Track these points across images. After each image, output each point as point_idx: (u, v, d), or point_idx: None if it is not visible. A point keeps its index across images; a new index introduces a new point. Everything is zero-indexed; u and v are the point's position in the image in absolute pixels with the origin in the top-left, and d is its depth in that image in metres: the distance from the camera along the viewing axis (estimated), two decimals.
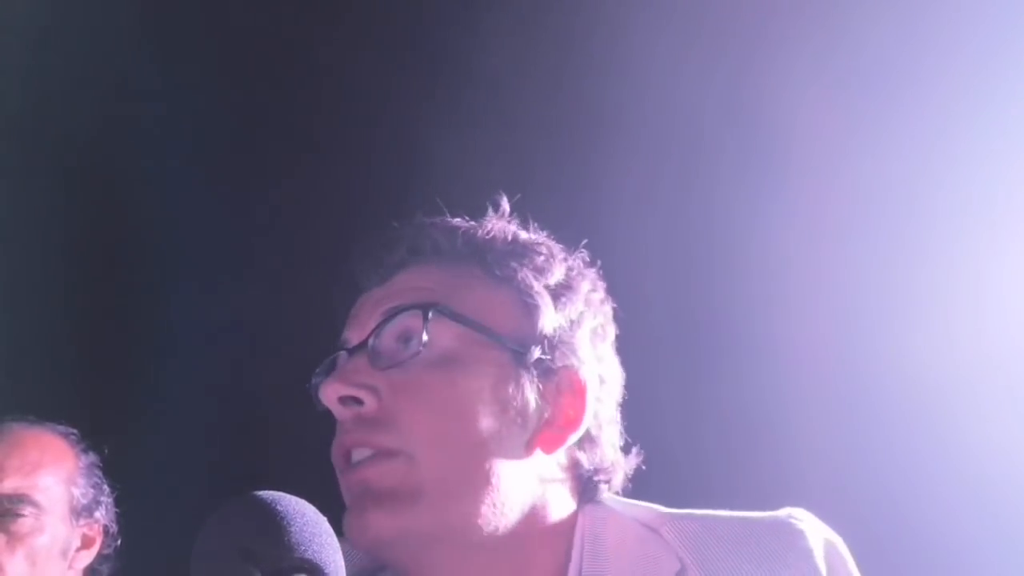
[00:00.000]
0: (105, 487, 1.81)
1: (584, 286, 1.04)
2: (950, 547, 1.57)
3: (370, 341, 0.95)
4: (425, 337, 0.93)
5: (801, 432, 1.80)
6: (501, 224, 1.05)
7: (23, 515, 1.64)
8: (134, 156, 2.33)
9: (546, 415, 0.96)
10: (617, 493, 1.04)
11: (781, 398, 1.83)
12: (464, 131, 2.07)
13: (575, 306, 1.01)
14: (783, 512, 0.96)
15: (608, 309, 1.06)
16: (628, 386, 1.08)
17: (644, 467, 1.04)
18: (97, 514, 1.77)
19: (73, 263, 2.32)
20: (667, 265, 1.92)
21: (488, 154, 2.02)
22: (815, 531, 0.94)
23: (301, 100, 2.29)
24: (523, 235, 1.05)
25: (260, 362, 2.12)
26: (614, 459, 1.02)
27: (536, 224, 1.06)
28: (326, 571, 0.73)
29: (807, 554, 0.91)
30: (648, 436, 1.06)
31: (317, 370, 1.01)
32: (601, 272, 1.08)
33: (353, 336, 0.99)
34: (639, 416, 1.07)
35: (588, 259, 1.07)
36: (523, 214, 1.06)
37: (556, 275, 1.02)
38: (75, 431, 1.81)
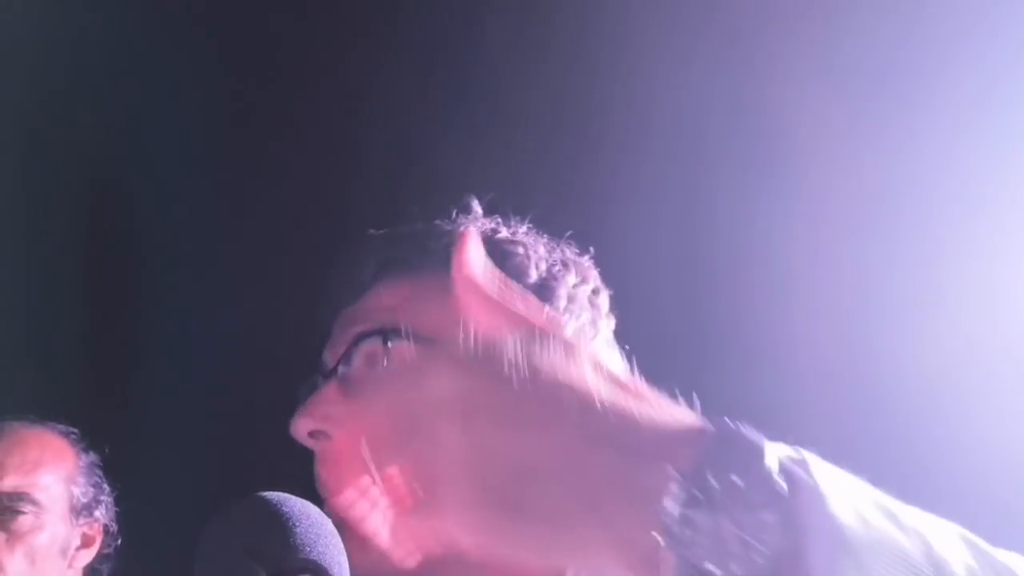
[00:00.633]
0: (105, 486, 1.81)
1: (568, 281, 0.99)
2: None
3: (339, 368, 0.92)
4: (386, 363, 0.89)
5: (803, 433, 1.80)
6: (475, 226, 1.00)
7: (23, 513, 1.65)
8: (134, 157, 2.33)
9: None
10: None
11: (784, 398, 1.83)
12: (464, 132, 2.07)
13: (555, 307, 0.96)
14: None
15: (602, 300, 1.02)
16: None
17: None
18: (97, 513, 1.77)
19: (73, 263, 2.32)
20: (670, 265, 1.93)
21: (487, 155, 2.02)
22: None
23: (300, 100, 2.29)
24: (500, 234, 1.00)
25: (262, 362, 2.12)
26: None
27: (518, 219, 1.02)
28: (331, 572, 0.73)
29: None
30: None
31: (300, 393, 0.97)
32: (596, 263, 1.03)
33: (329, 358, 0.95)
34: None
35: (577, 250, 1.03)
36: (504, 210, 1.02)
37: (534, 275, 0.97)
38: (75, 430, 1.81)
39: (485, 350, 0.54)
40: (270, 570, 0.70)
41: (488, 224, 1.01)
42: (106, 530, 1.79)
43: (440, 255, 0.95)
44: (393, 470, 0.81)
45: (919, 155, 1.90)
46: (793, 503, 0.50)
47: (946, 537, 0.53)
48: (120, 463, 1.85)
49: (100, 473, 1.81)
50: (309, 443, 0.91)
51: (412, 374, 0.69)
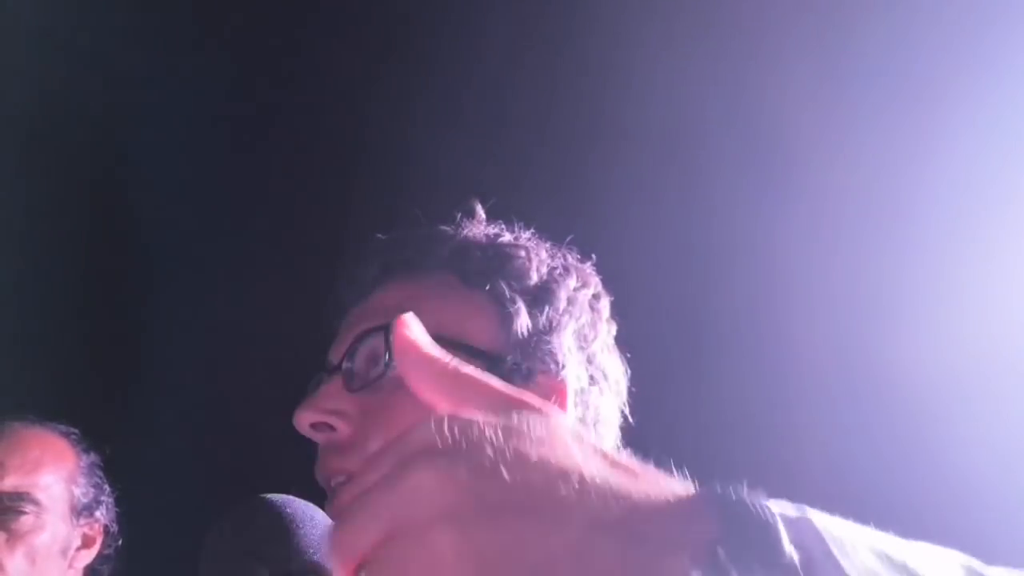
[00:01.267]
0: (106, 487, 1.81)
1: (569, 284, 1.01)
2: (956, 547, 1.57)
3: (344, 364, 0.94)
4: (388, 359, 0.90)
5: (805, 433, 1.80)
6: (478, 229, 1.03)
7: (24, 513, 1.64)
8: (135, 157, 2.33)
9: None
10: None
11: (785, 399, 1.83)
12: (463, 133, 2.07)
13: (555, 308, 0.98)
14: None
15: (602, 305, 1.04)
16: (631, 388, 1.05)
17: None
18: (98, 514, 1.77)
19: (74, 262, 2.32)
20: (668, 267, 1.93)
21: (487, 157, 2.02)
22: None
23: (302, 102, 2.29)
24: (502, 238, 1.02)
25: (263, 362, 2.12)
26: None
27: (520, 223, 1.04)
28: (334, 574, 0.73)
29: None
30: (651, 437, 1.06)
31: (309, 390, 0.99)
32: (595, 266, 1.05)
33: (334, 356, 0.97)
34: (642, 418, 1.06)
35: (577, 255, 1.04)
36: (507, 214, 1.04)
37: (535, 278, 0.99)
38: (76, 431, 1.81)
39: (461, 439, 0.46)
40: (274, 572, 0.70)
41: (491, 228, 1.03)
42: (107, 531, 1.79)
43: (444, 258, 0.99)
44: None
45: (919, 155, 1.90)
46: None
47: None
48: (121, 464, 1.85)
49: (101, 473, 1.81)
50: (311, 435, 0.92)
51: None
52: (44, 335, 2.30)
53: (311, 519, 0.75)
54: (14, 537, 1.63)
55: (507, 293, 0.96)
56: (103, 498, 1.79)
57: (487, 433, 0.47)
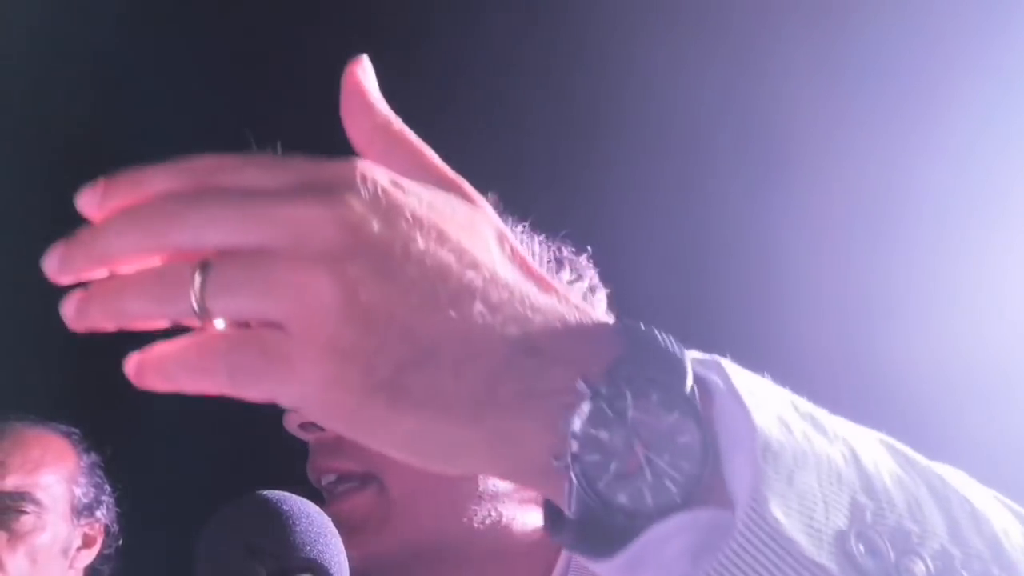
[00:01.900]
0: (107, 487, 1.81)
1: (563, 277, 1.00)
2: None
3: None
4: None
5: None
6: None
7: (25, 513, 1.65)
8: (135, 157, 2.32)
9: None
10: None
11: None
12: (462, 132, 2.07)
13: None
14: None
15: (598, 298, 1.03)
16: None
17: None
18: (98, 513, 1.77)
19: None
20: (666, 262, 1.93)
21: (484, 151, 2.02)
22: None
23: (299, 101, 2.29)
24: None
25: None
26: None
27: (515, 217, 1.02)
28: (331, 571, 0.73)
29: None
30: None
31: None
32: (593, 262, 1.04)
33: None
34: None
35: (573, 248, 1.03)
36: (503, 209, 1.00)
37: None
38: (77, 431, 1.81)
39: (383, 194, 0.43)
40: (270, 569, 0.70)
41: None
42: (107, 530, 1.79)
43: None
44: (386, 459, 0.77)
45: (919, 155, 1.90)
46: (711, 418, 0.46)
47: (870, 444, 0.50)
48: (122, 463, 1.85)
49: (101, 473, 1.81)
50: (299, 434, 0.92)
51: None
52: (44, 335, 2.30)
53: (308, 515, 0.75)
54: (15, 537, 1.64)
55: None
56: (104, 498, 1.80)
57: (411, 198, 0.44)
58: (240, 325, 0.45)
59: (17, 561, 1.63)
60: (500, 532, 0.91)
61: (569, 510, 0.45)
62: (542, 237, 1.03)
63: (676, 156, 2.02)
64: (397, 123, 0.51)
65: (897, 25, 1.94)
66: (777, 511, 0.44)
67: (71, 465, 1.76)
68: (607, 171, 2.06)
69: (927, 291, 1.88)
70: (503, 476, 0.52)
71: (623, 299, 1.09)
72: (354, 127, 0.52)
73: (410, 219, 0.44)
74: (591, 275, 1.04)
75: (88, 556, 1.76)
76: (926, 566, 0.46)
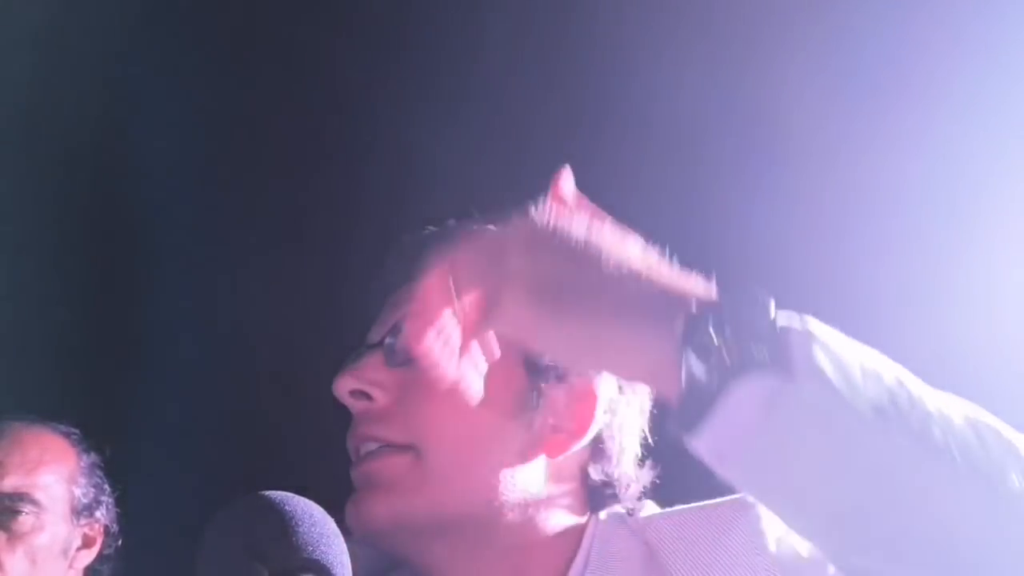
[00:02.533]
0: (106, 487, 1.80)
1: None
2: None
3: (387, 339, 0.98)
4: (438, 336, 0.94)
5: None
6: None
7: (24, 513, 1.64)
8: (135, 157, 2.33)
9: (552, 421, 0.97)
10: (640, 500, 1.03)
11: None
12: (462, 133, 2.07)
13: None
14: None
15: None
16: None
17: (661, 474, 1.04)
18: (98, 514, 1.77)
19: (74, 262, 2.32)
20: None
21: (487, 157, 2.02)
22: None
23: (299, 101, 2.29)
24: None
25: (263, 362, 2.12)
26: (627, 472, 1.02)
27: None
28: (333, 572, 0.73)
29: (756, 520, 0.92)
30: (653, 439, 1.06)
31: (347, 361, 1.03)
32: None
33: (375, 334, 1.02)
34: (646, 420, 1.07)
35: None
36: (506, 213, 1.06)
37: None
38: (76, 431, 1.80)
39: (556, 226, 0.69)
40: (272, 570, 0.70)
41: None
42: (107, 531, 1.79)
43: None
44: (432, 434, 0.94)
45: (918, 155, 1.90)
46: (787, 340, 0.64)
47: (926, 388, 0.67)
48: (121, 464, 1.85)
49: (101, 474, 1.81)
50: (348, 402, 0.97)
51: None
52: (44, 335, 2.30)
53: (310, 517, 0.75)
54: (14, 537, 1.63)
55: None
56: (103, 498, 1.79)
57: (577, 229, 0.70)
58: None
59: (16, 562, 1.63)
60: (525, 522, 0.95)
61: (680, 385, 0.64)
62: None
63: (680, 159, 2.02)
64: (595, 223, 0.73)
65: (897, 24, 1.94)
66: (826, 367, 0.63)
67: (70, 465, 1.75)
68: (607, 171, 2.05)
69: (927, 291, 1.88)
70: (634, 374, 0.72)
71: None
72: (557, 218, 0.73)
73: (576, 238, 0.70)
74: None
75: (88, 556, 1.76)
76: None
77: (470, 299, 0.71)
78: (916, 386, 0.67)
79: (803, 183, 1.96)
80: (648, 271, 0.68)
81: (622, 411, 1.02)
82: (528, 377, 0.97)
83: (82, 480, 1.75)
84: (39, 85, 2.31)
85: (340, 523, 0.80)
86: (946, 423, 0.64)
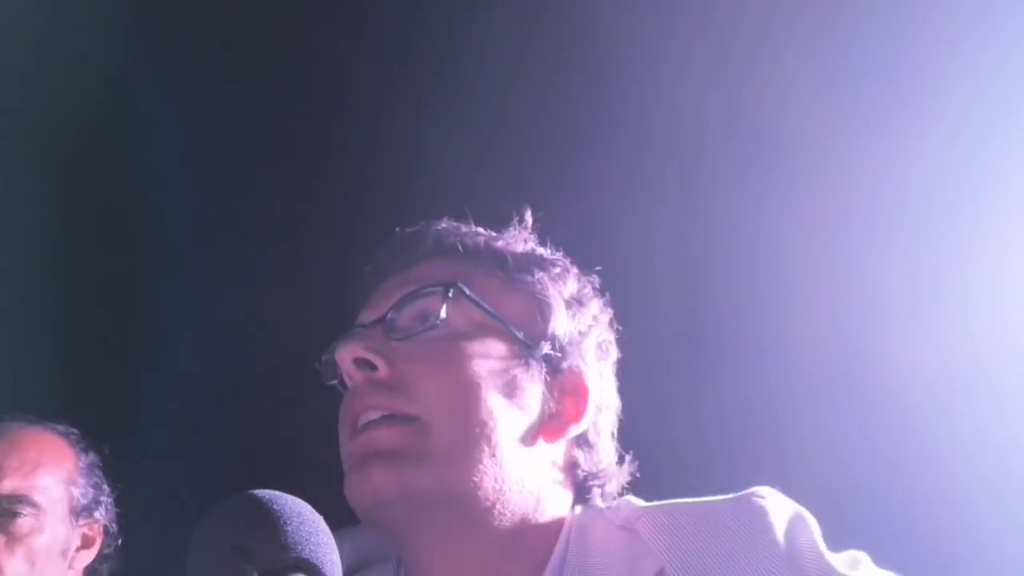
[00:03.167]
0: (105, 487, 1.80)
1: (594, 304, 1.10)
2: (957, 547, 1.57)
3: (388, 315, 1.00)
4: (443, 314, 0.99)
5: (806, 435, 1.80)
6: (522, 235, 1.12)
7: (22, 515, 1.64)
8: (135, 157, 2.33)
9: (548, 409, 1.01)
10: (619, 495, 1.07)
11: (786, 401, 1.83)
12: (463, 135, 2.07)
13: (585, 318, 1.08)
14: (747, 491, 0.97)
15: (612, 334, 1.12)
16: (633, 388, 1.12)
17: (651, 470, 1.08)
18: (97, 514, 1.76)
19: (74, 262, 2.32)
20: (669, 269, 1.92)
21: (487, 158, 2.02)
22: (777, 507, 0.95)
23: (300, 100, 2.29)
24: (541, 249, 1.12)
25: (261, 362, 2.12)
26: (609, 467, 1.07)
27: (551, 242, 1.13)
28: (323, 570, 0.73)
29: (767, 528, 0.92)
30: (654, 439, 1.08)
31: (332, 344, 1.05)
32: (602, 281, 1.13)
33: (368, 316, 1.04)
34: (645, 419, 1.09)
35: (598, 286, 1.13)
36: (541, 234, 1.13)
37: (569, 288, 1.09)
38: (75, 431, 1.80)
39: None
40: (261, 569, 0.70)
41: (532, 238, 1.13)
42: (106, 531, 1.79)
43: (493, 249, 1.09)
44: (439, 406, 0.96)
45: (918, 155, 1.90)
46: None
47: None
48: (120, 464, 1.85)
49: (100, 474, 1.80)
50: (350, 371, 0.99)
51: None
52: (44, 335, 2.30)
53: (299, 515, 0.75)
54: (13, 539, 1.63)
55: (549, 291, 1.06)
56: (102, 498, 1.79)
57: None
58: None
59: (16, 564, 1.62)
60: (519, 506, 0.97)
61: None
62: (576, 270, 1.12)
63: (679, 162, 2.02)
64: None
65: (897, 25, 1.94)
66: None
67: (69, 466, 1.75)
68: (607, 172, 2.06)
69: (927, 292, 1.88)
70: None
71: (623, 301, 1.12)
72: None
73: None
74: (601, 298, 1.13)
75: (87, 556, 1.76)
76: None
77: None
78: None
79: (803, 183, 1.96)
80: None
81: (603, 411, 1.07)
82: (527, 363, 1.01)
83: (81, 480, 1.75)
84: (39, 85, 2.31)
85: (330, 523, 0.79)
86: None
